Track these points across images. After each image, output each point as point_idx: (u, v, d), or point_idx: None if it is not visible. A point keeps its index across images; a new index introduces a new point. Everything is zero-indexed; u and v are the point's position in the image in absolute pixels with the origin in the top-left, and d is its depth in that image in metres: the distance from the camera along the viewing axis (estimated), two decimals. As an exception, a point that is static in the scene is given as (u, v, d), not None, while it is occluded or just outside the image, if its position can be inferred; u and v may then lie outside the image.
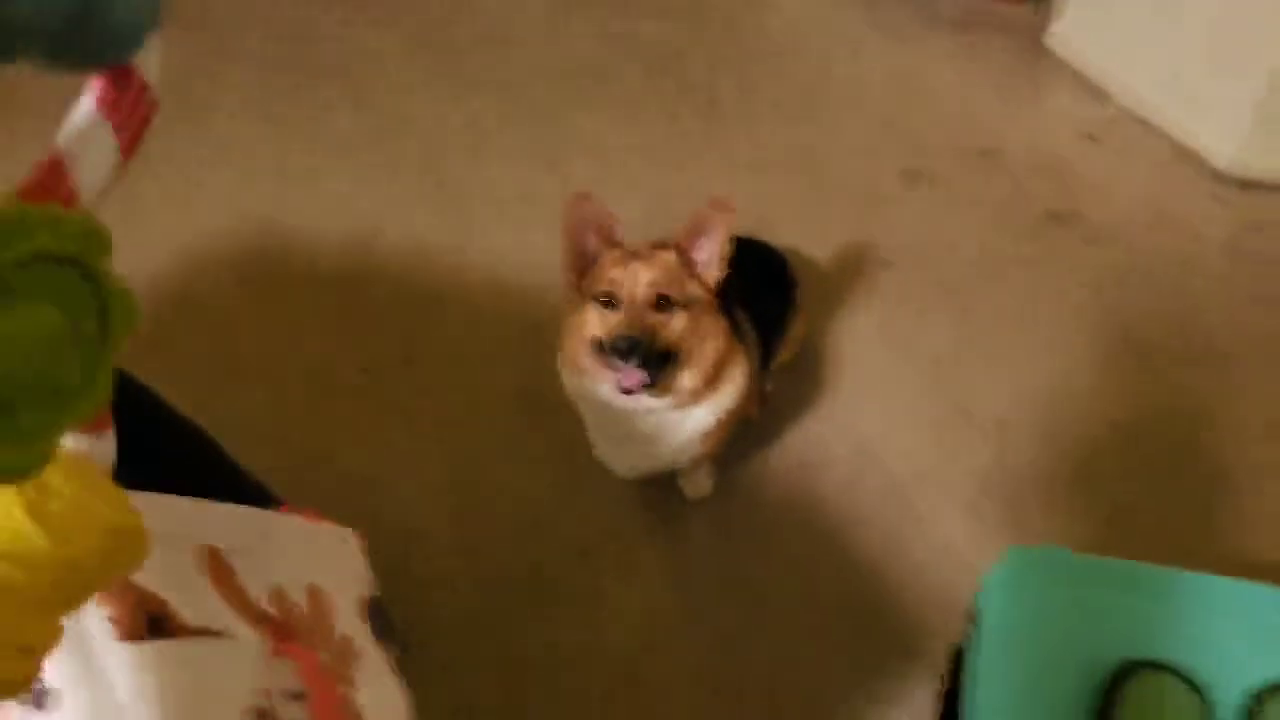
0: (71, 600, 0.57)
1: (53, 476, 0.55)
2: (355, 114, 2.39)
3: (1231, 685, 1.10)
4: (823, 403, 1.83)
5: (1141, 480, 1.71)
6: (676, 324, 1.33)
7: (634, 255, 1.35)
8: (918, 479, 1.72)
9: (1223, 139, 2.08)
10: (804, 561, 1.64)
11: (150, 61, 0.60)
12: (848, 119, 2.26)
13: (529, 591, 1.60)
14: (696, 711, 1.50)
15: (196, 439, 1.07)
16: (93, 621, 0.73)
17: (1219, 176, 2.10)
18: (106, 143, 0.59)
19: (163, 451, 0.92)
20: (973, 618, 1.24)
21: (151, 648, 0.75)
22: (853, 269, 2.01)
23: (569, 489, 1.72)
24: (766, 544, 1.66)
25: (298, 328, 1.98)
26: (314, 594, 0.92)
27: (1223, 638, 1.14)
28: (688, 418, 1.44)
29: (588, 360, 1.38)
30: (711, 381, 1.41)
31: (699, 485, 1.68)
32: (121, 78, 0.59)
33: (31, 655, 0.55)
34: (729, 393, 1.45)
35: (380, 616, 1.04)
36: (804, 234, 2.06)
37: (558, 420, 1.75)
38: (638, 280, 1.31)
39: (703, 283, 1.37)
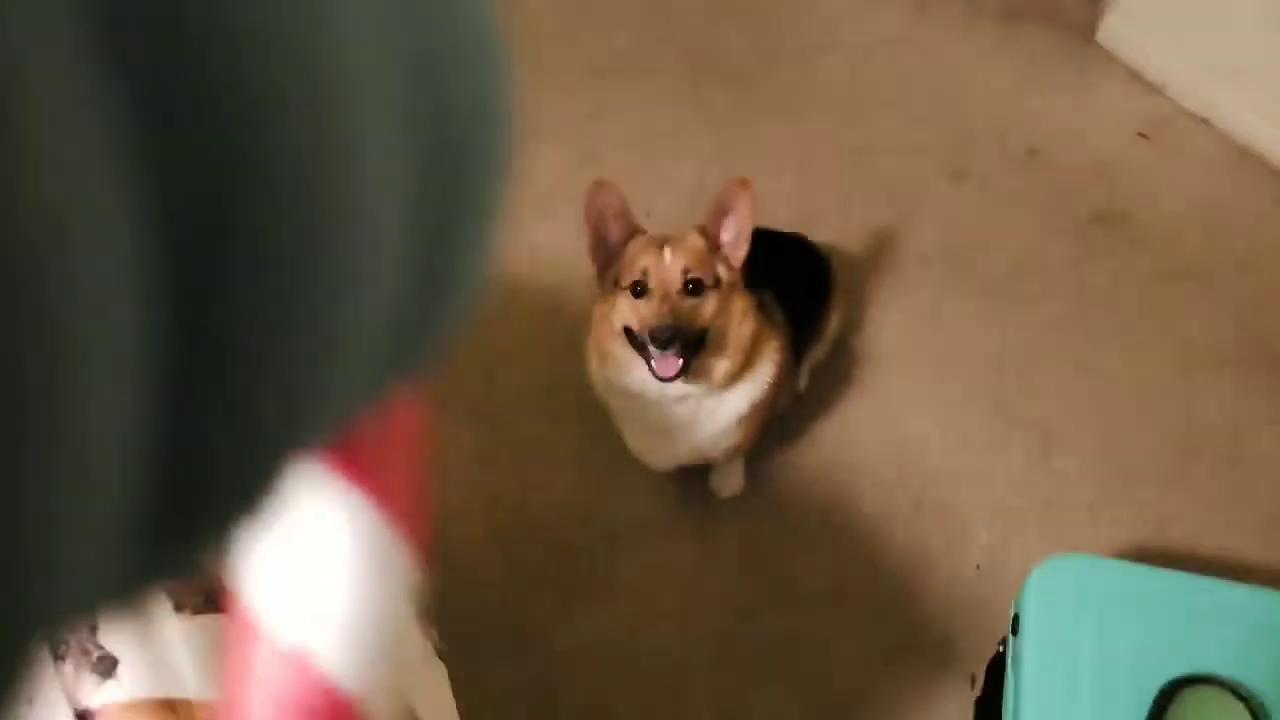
0: None
1: None
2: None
3: (1283, 702, 1.06)
4: (860, 402, 1.79)
5: (1188, 489, 1.66)
6: (708, 307, 1.32)
7: (662, 241, 1.33)
8: (956, 481, 1.68)
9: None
10: (838, 560, 1.61)
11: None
12: (891, 114, 2.22)
13: (557, 583, 1.59)
14: (726, 704, 1.48)
15: None
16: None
17: None
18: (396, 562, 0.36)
19: None
20: (1013, 626, 1.21)
21: (212, 619, 0.76)
22: (893, 267, 1.97)
23: (597, 482, 1.71)
24: (799, 541, 1.63)
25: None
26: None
27: (1272, 650, 1.10)
28: (723, 403, 1.42)
29: (619, 350, 1.37)
30: (747, 363, 1.39)
31: (731, 482, 1.65)
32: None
33: None
34: (765, 373, 1.43)
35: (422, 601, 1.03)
36: (844, 230, 2.02)
37: (586, 414, 1.74)
38: (668, 266, 1.29)
39: (729, 264, 1.35)
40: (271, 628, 0.35)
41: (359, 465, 0.34)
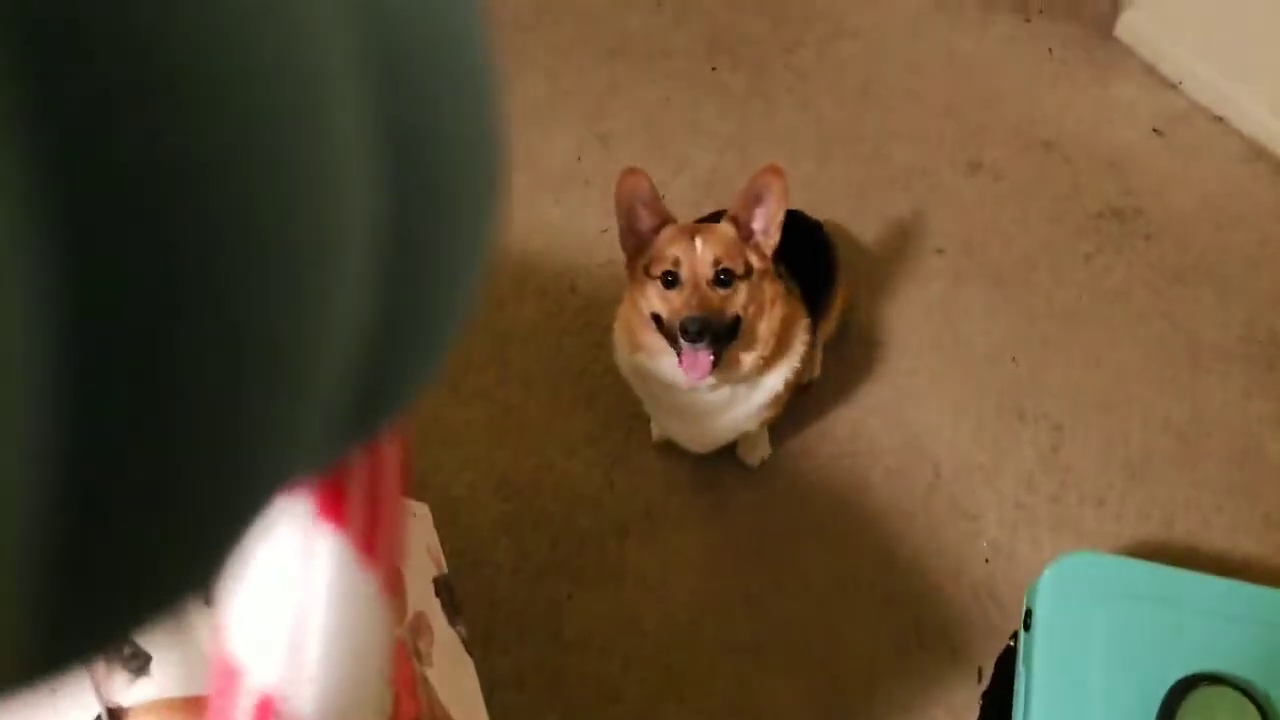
0: None
1: None
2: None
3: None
4: (872, 391, 1.80)
5: (1199, 485, 1.67)
6: (739, 297, 1.32)
7: (694, 230, 1.33)
8: (967, 474, 1.69)
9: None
10: (849, 549, 1.62)
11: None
12: (908, 104, 2.21)
13: (570, 569, 1.60)
14: (737, 688, 1.49)
15: None
16: None
17: (1293, 176, 2.03)
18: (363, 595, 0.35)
19: None
20: (1025, 622, 1.22)
21: None
22: (907, 256, 1.97)
23: (611, 468, 1.71)
24: (810, 531, 1.64)
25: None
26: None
27: (1284, 652, 1.11)
28: (756, 387, 1.43)
29: (650, 338, 1.37)
30: (779, 347, 1.40)
31: (759, 451, 1.68)
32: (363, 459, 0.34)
33: None
34: (796, 353, 1.44)
35: (449, 593, 1.03)
36: (859, 218, 2.02)
37: (597, 398, 1.74)
38: (700, 257, 1.29)
39: (760, 252, 1.35)
40: (247, 668, 0.35)
41: (337, 506, 0.33)
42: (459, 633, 1.00)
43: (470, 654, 1.02)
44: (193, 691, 0.72)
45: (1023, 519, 1.65)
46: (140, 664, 0.72)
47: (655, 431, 1.70)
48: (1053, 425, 1.74)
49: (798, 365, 1.44)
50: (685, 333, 1.26)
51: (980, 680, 1.45)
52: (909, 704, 1.48)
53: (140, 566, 0.18)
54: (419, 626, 0.91)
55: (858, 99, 2.23)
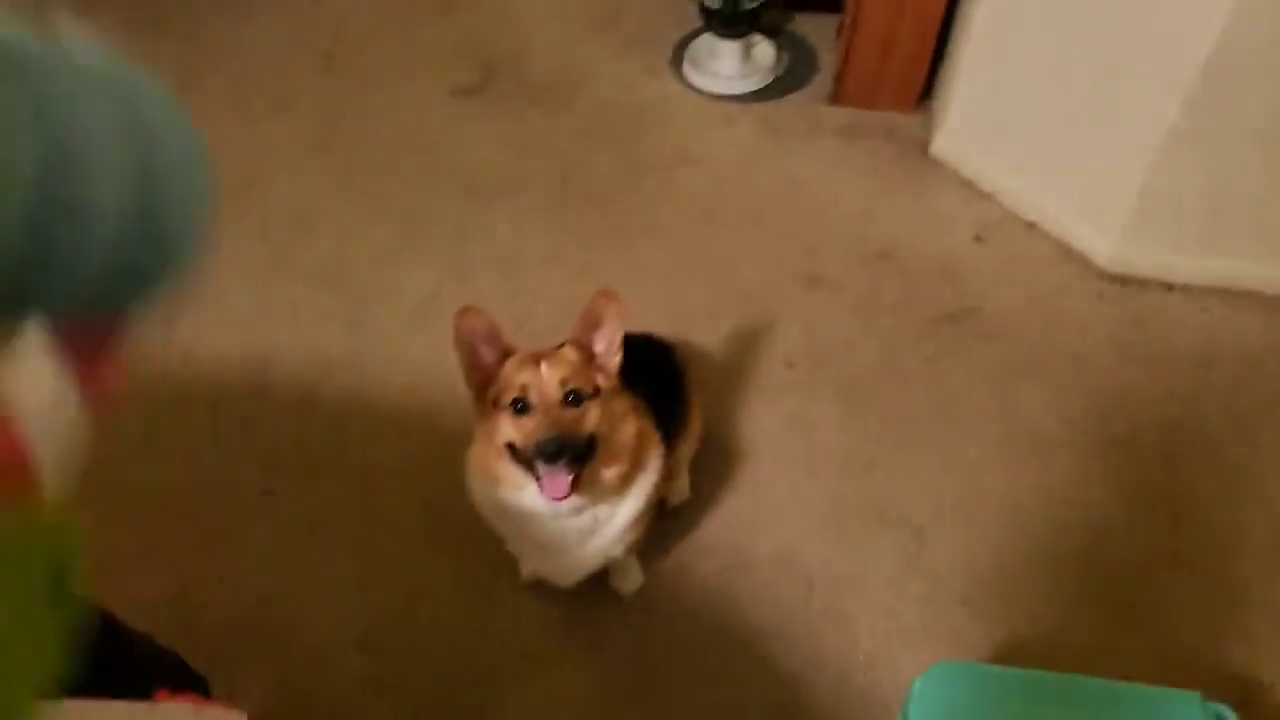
0: None
1: None
2: (256, 226, 2.34)
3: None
4: (742, 505, 1.82)
5: (1055, 580, 1.73)
6: (592, 415, 1.32)
7: (538, 356, 1.34)
8: (837, 584, 1.72)
9: (1102, 237, 2.20)
10: (730, 672, 1.60)
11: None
12: (748, 227, 2.32)
13: (442, 718, 1.52)
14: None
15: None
16: None
17: (1101, 274, 2.21)
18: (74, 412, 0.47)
19: None
20: (901, 733, 1.22)
21: None
22: (760, 371, 2.04)
23: (481, 609, 1.66)
24: (691, 655, 1.62)
25: (196, 450, 1.90)
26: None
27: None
28: (617, 508, 1.42)
29: (507, 470, 1.35)
30: (635, 463, 1.40)
31: (631, 579, 1.67)
32: (105, 334, 0.44)
33: None
34: (652, 469, 1.45)
35: None
36: (713, 336, 2.08)
37: (466, 537, 1.69)
38: (547, 380, 1.30)
39: (605, 372, 1.37)
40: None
41: (79, 351, 0.45)
42: None
43: None
44: None
45: (895, 624, 1.67)
46: None
47: (524, 570, 1.67)
48: (914, 528, 1.79)
49: (655, 479, 1.45)
50: (543, 454, 1.25)
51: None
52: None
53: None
54: None
55: (703, 224, 2.33)
